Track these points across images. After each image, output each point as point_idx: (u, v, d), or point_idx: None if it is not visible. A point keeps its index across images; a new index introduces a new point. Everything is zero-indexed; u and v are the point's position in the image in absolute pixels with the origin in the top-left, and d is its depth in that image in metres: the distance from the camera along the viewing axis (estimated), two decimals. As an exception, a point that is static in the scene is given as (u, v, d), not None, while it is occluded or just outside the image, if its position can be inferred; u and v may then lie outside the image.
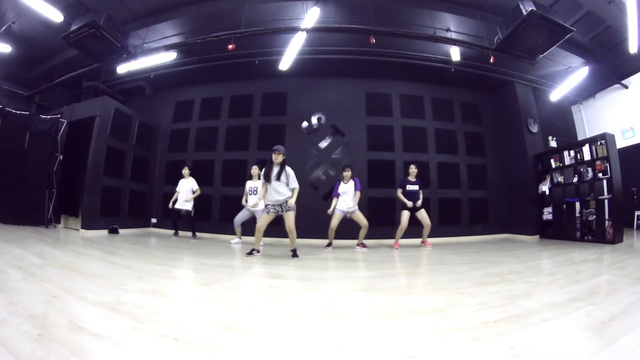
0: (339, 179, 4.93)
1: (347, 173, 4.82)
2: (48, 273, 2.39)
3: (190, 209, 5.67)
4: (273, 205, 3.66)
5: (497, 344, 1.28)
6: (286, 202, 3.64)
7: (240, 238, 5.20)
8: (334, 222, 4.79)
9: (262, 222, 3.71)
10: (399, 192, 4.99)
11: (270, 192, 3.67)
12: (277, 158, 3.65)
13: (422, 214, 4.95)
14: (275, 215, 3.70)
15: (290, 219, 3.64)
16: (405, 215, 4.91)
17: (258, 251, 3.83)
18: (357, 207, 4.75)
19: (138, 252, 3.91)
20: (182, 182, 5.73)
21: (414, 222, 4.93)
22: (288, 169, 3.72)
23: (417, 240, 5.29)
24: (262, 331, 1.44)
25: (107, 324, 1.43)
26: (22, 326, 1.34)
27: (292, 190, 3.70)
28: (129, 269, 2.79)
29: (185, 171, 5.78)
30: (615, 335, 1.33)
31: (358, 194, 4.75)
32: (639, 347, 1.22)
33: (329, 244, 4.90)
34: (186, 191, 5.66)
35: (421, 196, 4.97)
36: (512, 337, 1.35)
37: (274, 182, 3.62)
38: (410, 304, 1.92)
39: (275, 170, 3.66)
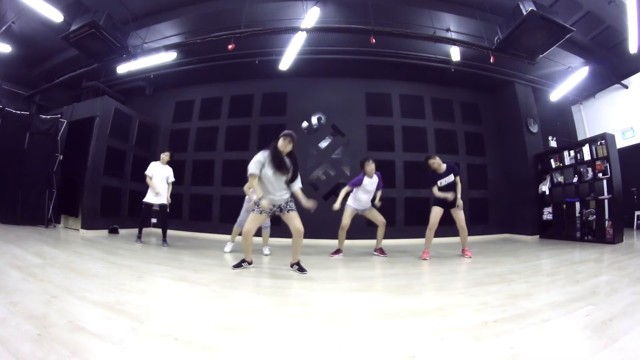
0: (338, 179, 4.78)
1: (372, 166, 4.01)
2: (48, 273, 2.39)
3: (166, 203, 4.62)
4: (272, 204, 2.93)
5: (497, 344, 1.28)
6: (286, 202, 2.93)
7: (233, 242, 4.39)
8: (347, 219, 4.06)
9: (252, 225, 2.91)
10: (435, 189, 3.89)
11: (268, 187, 2.88)
12: (287, 147, 2.90)
13: (458, 213, 3.89)
14: (268, 217, 3.07)
15: (296, 218, 2.89)
16: (437, 211, 3.88)
17: (250, 262, 3.08)
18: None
19: (138, 252, 3.91)
20: (156, 166, 4.70)
21: (444, 220, 3.99)
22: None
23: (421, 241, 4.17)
24: (262, 331, 1.44)
25: (107, 324, 1.43)
26: (22, 326, 1.34)
27: (294, 189, 3.00)
28: (129, 269, 2.79)
29: (165, 155, 4.75)
30: (615, 335, 1.33)
31: (379, 193, 4.15)
32: (639, 347, 1.22)
33: (338, 251, 4.14)
34: (162, 179, 4.66)
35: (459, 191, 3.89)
36: (512, 337, 1.35)
37: (274, 176, 2.86)
38: (410, 304, 1.92)
39: (287, 161, 2.94)
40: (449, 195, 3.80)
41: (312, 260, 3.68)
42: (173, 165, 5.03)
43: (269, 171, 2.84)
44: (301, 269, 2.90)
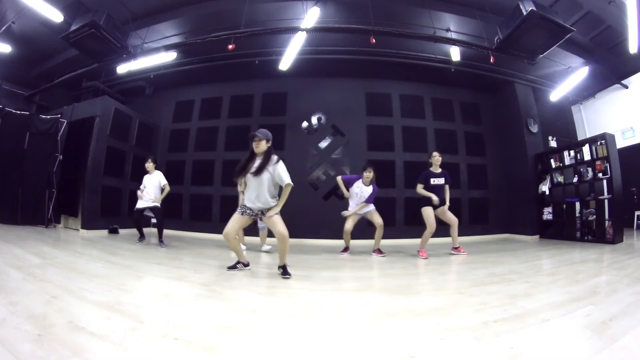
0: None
1: (370, 174, 4.11)
2: (48, 273, 2.39)
3: (158, 205, 4.63)
4: (251, 208, 2.79)
5: (497, 344, 1.28)
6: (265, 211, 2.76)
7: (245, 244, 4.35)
8: (349, 224, 4.16)
9: (231, 226, 2.76)
10: (419, 188, 4.05)
11: (248, 190, 2.79)
12: (258, 148, 2.71)
13: (447, 213, 4.08)
14: (251, 220, 2.88)
15: (277, 223, 2.67)
16: (430, 212, 3.96)
17: (245, 264, 2.98)
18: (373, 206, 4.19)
19: (138, 252, 3.91)
20: (146, 178, 4.74)
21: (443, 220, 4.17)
22: (278, 164, 2.72)
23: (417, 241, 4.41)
24: (262, 331, 1.44)
25: (107, 324, 1.43)
26: (22, 326, 1.34)
27: (282, 188, 2.75)
28: (129, 269, 2.79)
29: (150, 164, 4.74)
30: (615, 335, 1.33)
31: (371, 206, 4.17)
32: (639, 347, 1.22)
33: (346, 249, 4.34)
34: (154, 188, 4.65)
35: (447, 194, 4.08)
36: (512, 337, 1.35)
37: (252, 179, 2.73)
38: (410, 304, 1.92)
39: (257, 162, 2.72)
40: (434, 197, 3.93)
41: (313, 261, 3.68)
42: (173, 165, 5.00)
43: (248, 175, 2.74)
44: (285, 273, 2.68)
